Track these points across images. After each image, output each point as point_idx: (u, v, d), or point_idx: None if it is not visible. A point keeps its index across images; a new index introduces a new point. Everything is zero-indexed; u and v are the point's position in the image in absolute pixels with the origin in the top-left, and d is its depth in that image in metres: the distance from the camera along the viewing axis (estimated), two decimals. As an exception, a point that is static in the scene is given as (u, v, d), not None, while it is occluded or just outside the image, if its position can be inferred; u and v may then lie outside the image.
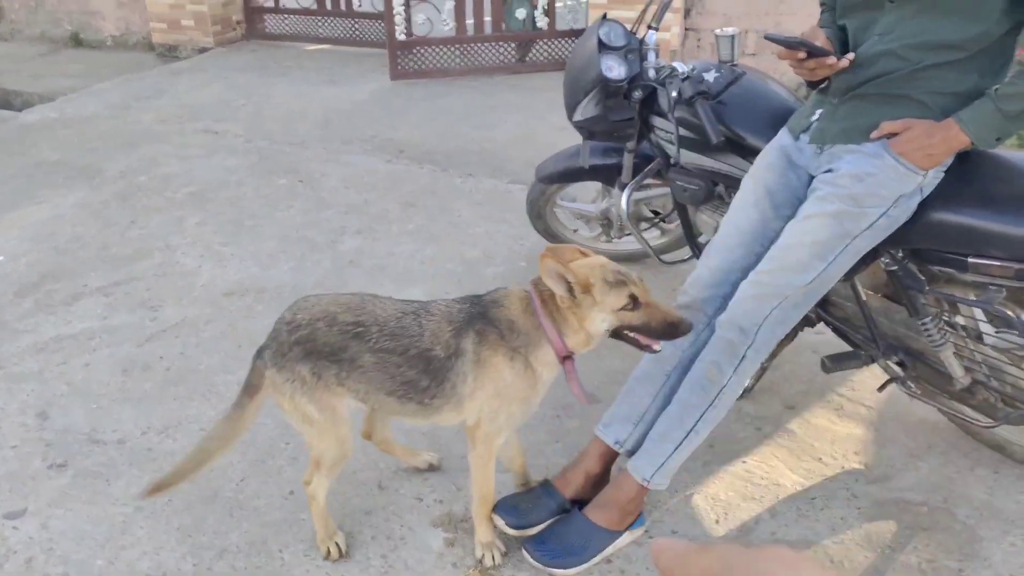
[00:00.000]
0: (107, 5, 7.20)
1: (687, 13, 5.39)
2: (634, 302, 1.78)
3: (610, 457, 2.11)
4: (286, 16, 6.78)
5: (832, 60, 1.85)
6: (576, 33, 5.90)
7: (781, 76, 2.89)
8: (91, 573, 2.01)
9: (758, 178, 2.09)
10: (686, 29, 5.43)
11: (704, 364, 2.02)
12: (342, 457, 1.96)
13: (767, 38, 1.87)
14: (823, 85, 2.03)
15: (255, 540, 2.09)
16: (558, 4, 5.96)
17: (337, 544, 2.04)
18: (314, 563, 2.02)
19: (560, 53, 5.96)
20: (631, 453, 2.06)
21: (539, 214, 3.24)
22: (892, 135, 1.85)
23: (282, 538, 2.10)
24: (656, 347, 1.84)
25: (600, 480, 2.11)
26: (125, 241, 3.63)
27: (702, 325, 2.08)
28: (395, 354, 1.84)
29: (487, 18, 5.89)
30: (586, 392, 1.89)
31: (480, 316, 1.86)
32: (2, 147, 4.85)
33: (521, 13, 6.02)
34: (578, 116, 2.64)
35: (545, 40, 6.00)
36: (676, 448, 2.02)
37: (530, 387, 1.87)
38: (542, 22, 5.94)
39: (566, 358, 1.87)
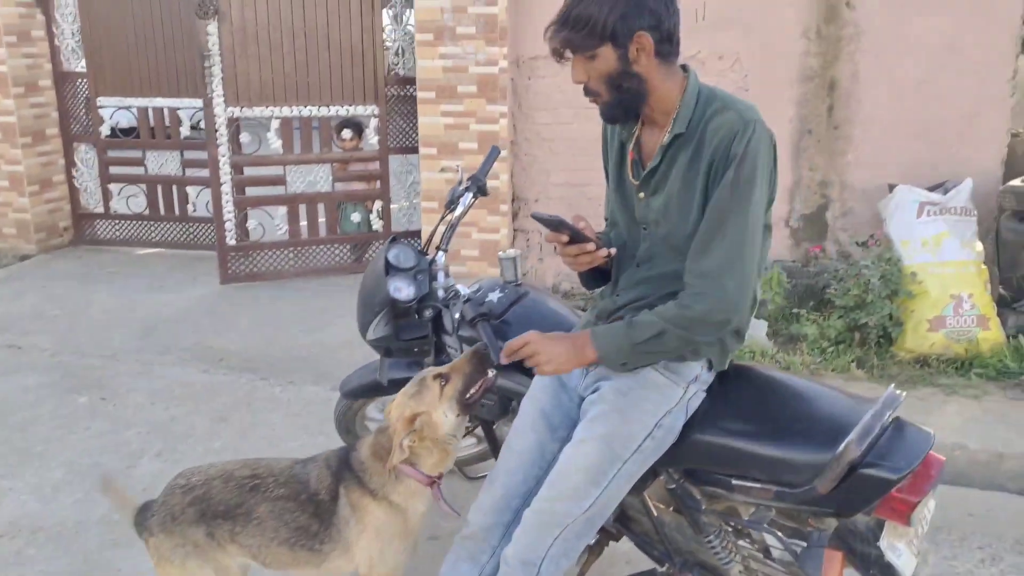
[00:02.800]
0: (-78, 212, 6.86)
1: (515, 216, 5.63)
2: (443, 378, 1.97)
3: None
4: (117, 221, 6.64)
5: (592, 247, 1.86)
6: (411, 234, 6.05)
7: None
8: None
9: (533, 400, 2.07)
10: (515, 230, 5.66)
11: (492, 603, 1.90)
12: None
13: (533, 216, 1.90)
14: (597, 299, 2.08)
15: None
16: (393, 206, 6.12)
17: None
18: None
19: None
20: None
21: (348, 429, 3.12)
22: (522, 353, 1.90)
23: None
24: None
25: None
26: None
27: (486, 556, 1.98)
28: (289, 500, 1.98)
29: (321, 219, 5.96)
30: (453, 507, 2.04)
31: (346, 463, 2.03)
32: None
33: (356, 217, 6.13)
34: (370, 335, 2.59)
35: (380, 241, 6.10)
36: None
37: (403, 523, 2.00)
38: (377, 224, 6.07)
39: (433, 483, 2.01)
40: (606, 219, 2.23)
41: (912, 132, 4.89)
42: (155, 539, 1.96)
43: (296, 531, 1.97)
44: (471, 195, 2.56)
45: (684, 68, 1.87)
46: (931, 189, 4.71)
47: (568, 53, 1.82)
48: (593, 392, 1.96)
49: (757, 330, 4.53)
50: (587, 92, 1.86)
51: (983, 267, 4.51)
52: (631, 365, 1.83)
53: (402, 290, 2.48)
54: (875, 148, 4.97)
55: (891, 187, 4.75)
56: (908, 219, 4.57)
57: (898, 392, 1.79)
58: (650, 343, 1.78)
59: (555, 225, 1.85)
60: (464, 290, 2.40)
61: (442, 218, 2.62)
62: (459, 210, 2.55)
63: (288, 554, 1.99)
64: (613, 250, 1.91)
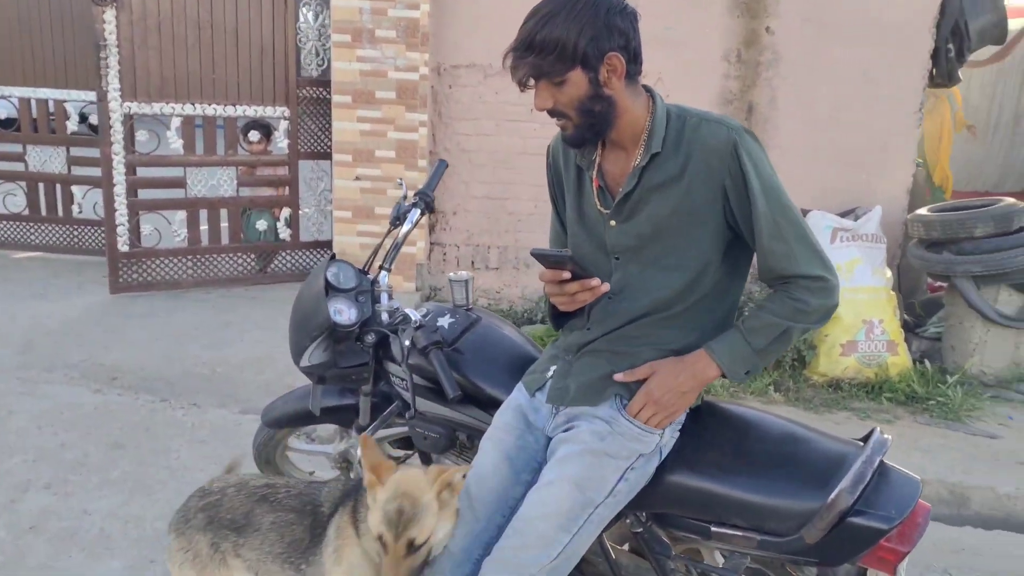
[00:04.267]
0: None
1: (432, 229, 5.46)
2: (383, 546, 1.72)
3: None
4: (-9, 221, 6.08)
5: (596, 282, 1.75)
6: (321, 244, 5.78)
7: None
8: None
9: (496, 440, 1.92)
10: (431, 244, 5.49)
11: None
12: None
13: (533, 254, 1.74)
14: (561, 335, 1.96)
15: None
16: (302, 212, 5.82)
17: None
18: None
19: (305, 264, 5.77)
20: None
21: (268, 460, 2.88)
22: (636, 384, 1.79)
23: None
24: None
25: None
26: None
27: (449, 613, 1.81)
28: (292, 512, 1.97)
29: (224, 224, 5.60)
30: None
31: (359, 486, 1.92)
32: None
33: (262, 224, 5.80)
34: (305, 362, 2.37)
35: (288, 251, 5.80)
36: None
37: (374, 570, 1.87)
38: (285, 233, 5.76)
39: None
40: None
41: (825, 158, 5.02)
42: (169, 537, 2.03)
43: (290, 545, 1.95)
44: (418, 211, 2.39)
45: (646, 89, 1.82)
46: (842, 215, 4.84)
47: (531, 80, 1.70)
48: (565, 431, 1.83)
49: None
50: (554, 115, 1.77)
51: (892, 293, 4.65)
52: (754, 371, 1.77)
53: (343, 313, 2.28)
54: (790, 174, 5.00)
55: (805, 212, 4.85)
56: (822, 245, 4.67)
57: (885, 436, 1.75)
58: (773, 344, 1.75)
59: (561, 261, 1.71)
60: (415, 314, 2.22)
61: (386, 234, 2.44)
62: (406, 227, 2.37)
63: (279, 572, 1.96)
64: (607, 285, 1.78)
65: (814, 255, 1.73)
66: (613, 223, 1.83)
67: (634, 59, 1.73)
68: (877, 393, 4.40)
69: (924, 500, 1.70)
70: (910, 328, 4.91)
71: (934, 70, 4.96)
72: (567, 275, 1.75)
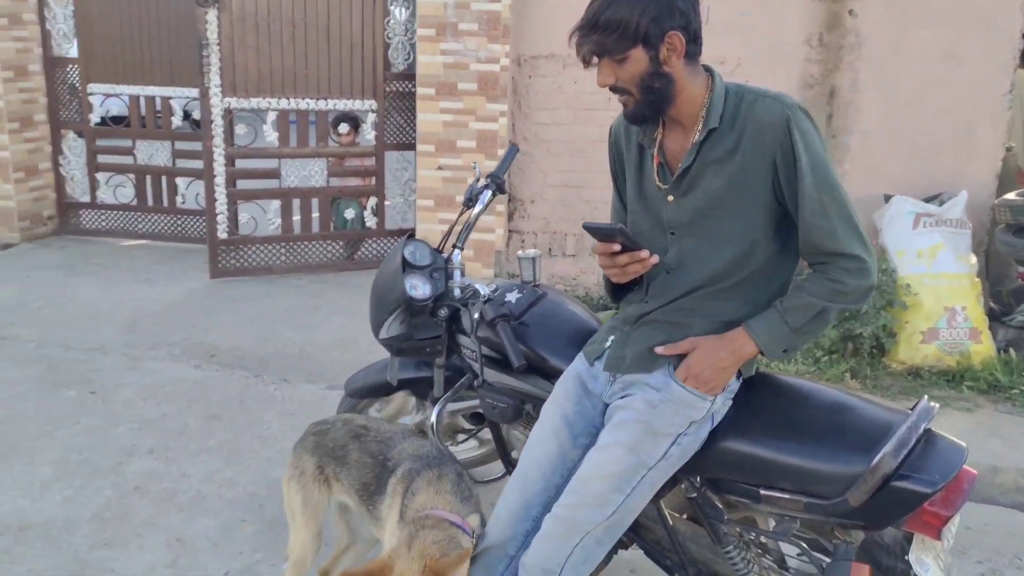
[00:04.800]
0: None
1: (510, 216, 5.60)
2: None
3: None
4: (103, 211, 6.52)
5: (645, 254, 1.85)
6: (405, 232, 6.00)
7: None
8: None
9: (556, 406, 2.04)
10: (510, 231, 5.63)
11: (510, 610, 1.87)
12: (303, 560, 2.26)
13: (585, 227, 1.86)
14: (621, 307, 2.06)
15: None
16: (387, 202, 6.07)
17: None
18: None
19: (389, 251, 6.00)
20: None
21: (350, 429, 3.07)
22: (680, 356, 1.87)
23: None
24: None
25: None
26: None
27: (502, 567, 1.94)
28: (370, 457, 2.18)
29: (315, 214, 5.89)
30: None
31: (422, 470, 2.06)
32: None
33: (350, 213, 6.07)
34: (383, 335, 2.55)
35: (374, 238, 6.05)
36: None
37: None
38: (371, 221, 6.01)
39: None
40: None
41: (909, 143, 4.93)
42: (291, 453, 2.32)
43: (364, 486, 2.16)
44: (490, 193, 2.52)
45: (706, 68, 1.89)
46: (926, 200, 4.74)
47: (595, 58, 1.81)
48: (621, 398, 1.93)
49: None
50: (616, 91, 1.85)
51: (976, 280, 4.54)
52: (792, 350, 1.85)
53: (418, 288, 2.44)
54: (872, 158, 5.00)
55: (887, 198, 4.78)
56: (904, 230, 4.60)
57: (932, 404, 1.78)
58: (810, 324, 1.81)
59: (611, 234, 1.82)
60: (484, 289, 2.35)
61: (459, 215, 2.57)
62: (478, 208, 2.50)
63: (359, 505, 2.19)
64: (657, 257, 1.88)
65: (855, 234, 1.77)
66: (671, 198, 1.91)
67: (694, 39, 1.81)
68: (958, 382, 4.31)
69: (969, 467, 1.73)
70: (996, 316, 4.77)
71: (1025, 51, 4.81)
72: (617, 247, 1.85)
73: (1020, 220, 4.42)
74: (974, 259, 4.59)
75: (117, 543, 2.78)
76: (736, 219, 1.84)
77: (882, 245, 4.66)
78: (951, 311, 4.39)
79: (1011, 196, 4.61)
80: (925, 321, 4.40)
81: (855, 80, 4.95)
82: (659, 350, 1.89)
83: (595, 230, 1.84)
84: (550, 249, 5.58)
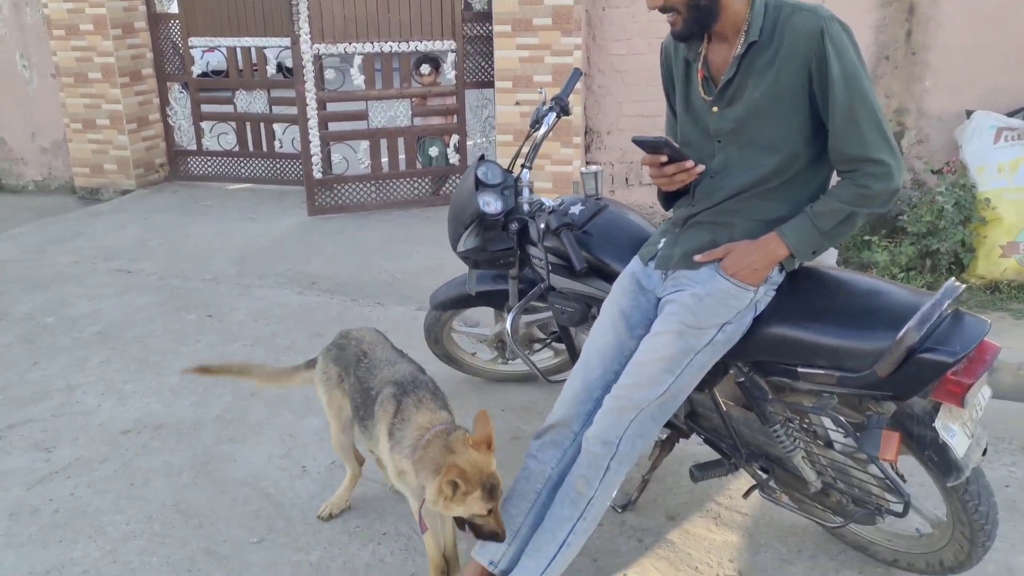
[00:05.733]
0: (30, 151, 7.34)
1: (587, 148, 5.76)
2: (488, 512, 1.99)
3: (487, 578, 2.17)
4: (209, 157, 7.00)
5: (690, 164, 2.04)
6: (487, 168, 6.23)
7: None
8: None
9: (614, 302, 2.26)
10: (587, 163, 5.79)
11: (572, 478, 2.13)
12: (337, 446, 2.62)
13: (633, 140, 2.05)
14: (672, 213, 2.25)
15: None
16: (468, 142, 6.31)
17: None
18: None
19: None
20: (505, 573, 2.12)
21: (436, 339, 3.36)
22: (719, 259, 2.06)
23: None
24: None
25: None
26: (25, 383, 3.63)
27: (568, 441, 2.20)
28: (360, 383, 2.39)
29: (401, 155, 6.20)
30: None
31: (409, 380, 2.30)
32: (-91, 292, 4.84)
33: (434, 150, 6.35)
34: (460, 247, 2.81)
35: (457, 175, 6.31)
36: (550, 562, 2.09)
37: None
38: (454, 158, 6.27)
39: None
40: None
41: (992, 57, 4.82)
42: (320, 357, 2.61)
43: (359, 406, 2.39)
44: (554, 115, 2.71)
45: None
46: (1009, 115, 4.66)
47: None
48: (672, 293, 2.13)
49: (828, 257, 4.60)
50: (665, 11, 2.00)
51: (1060, 194, 4.47)
52: (820, 251, 2.02)
53: (491, 204, 2.67)
54: (953, 74, 4.91)
55: (968, 113, 4.72)
56: (984, 145, 4.54)
57: (957, 284, 1.92)
58: (838, 227, 1.97)
59: (658, 146, 2.01)
60: (549, 202, 2.57)
61: (527, 137, 2.78)
62: (543, 129, 2.70)
63: (358, 424, 2.43)
64: (702, 166, 2.06)
65: (883, 141, 1.88)
66: (715, 109, 2.07)
67: None
68: (1038, 295, 4.30)
69: (1000, 345, 1.86)
70: (1083, 231, 4.68)
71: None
72: (664, 158, 2.04)
73: (1106, 130, 4.31)
74: (1058, 172, 4.51)
75: (238, 439, 3.17)
76: (776, 127, 1.99)
77: (962, 161, 4.63)
78: (1032, 225, 4.35)
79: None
80: (1005, 235, 4.38)
81: (936, -6, 4.85)
82: (697, 258, 2.08)
83: (643, 143, 2.02)
84: (627, 179, 5.72)
